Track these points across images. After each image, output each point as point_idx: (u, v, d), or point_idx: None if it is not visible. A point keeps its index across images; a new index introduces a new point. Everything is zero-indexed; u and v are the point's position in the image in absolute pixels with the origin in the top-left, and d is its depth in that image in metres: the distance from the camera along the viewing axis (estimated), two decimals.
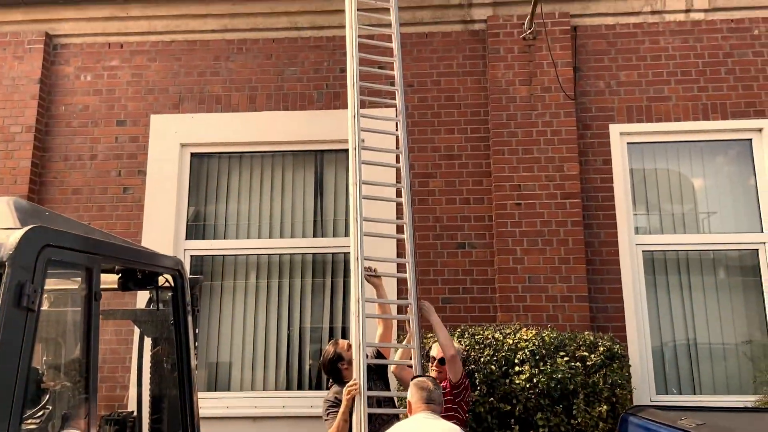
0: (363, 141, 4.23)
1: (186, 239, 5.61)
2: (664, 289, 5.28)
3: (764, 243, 5.17)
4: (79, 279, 2.41)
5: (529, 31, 5.49)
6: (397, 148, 4.48)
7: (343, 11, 5.75)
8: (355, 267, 3.85)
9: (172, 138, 5.70)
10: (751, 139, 5.38)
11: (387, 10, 4.72)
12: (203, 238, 5.68)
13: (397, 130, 4.44)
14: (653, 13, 5.58)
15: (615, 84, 5.51)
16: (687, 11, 5.56)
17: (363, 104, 4.30)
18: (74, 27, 6.00)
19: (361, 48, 4.43)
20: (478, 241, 5.34)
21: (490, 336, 4.51)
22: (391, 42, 4.61)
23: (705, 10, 5.56)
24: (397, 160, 4.38)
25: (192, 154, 5.76)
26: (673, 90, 5.44)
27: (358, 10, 4.48)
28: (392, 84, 4.54)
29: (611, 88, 5.51)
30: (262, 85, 5.80)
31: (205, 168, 5.82)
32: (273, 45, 5.90)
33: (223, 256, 5.65)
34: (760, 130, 5.33)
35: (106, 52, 5.99)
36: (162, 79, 5.87)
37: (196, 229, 5.71)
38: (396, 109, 4.44)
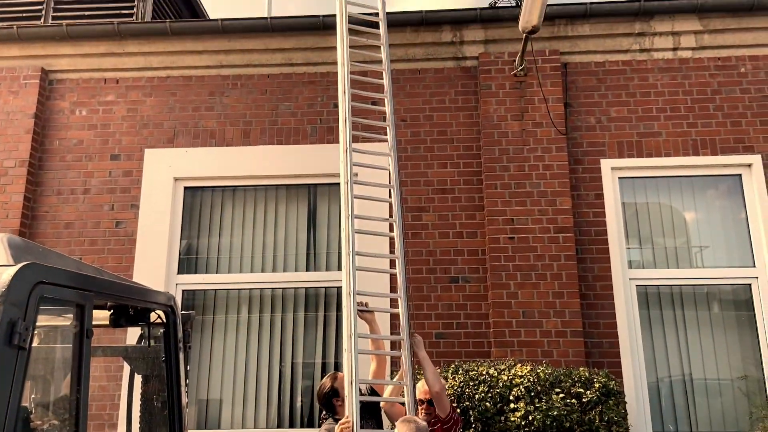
0: (356, 175, 4.24)
1: (178, 273, 5.57)
2: (659, 323, 5.27)
3: (756, 278, 5.19)
4: (71, 315, 2.38)
5: (520, 68, 5.58)
6: (389, 182, 4.50)
7: (335, 48, 5.88)
8: (348, 302, 3.82)
9: (166, 172, 5.71)
10: (740, 175, 5.44)
11: (378, 47, 4.79)
12: (195, 272, 5.65)
13: (389, 165, 4.46)
14: (641, 51, 5.70)
15: (605, 120, 5.59)
16: (674, 49, 5.68)
17: (355, 139, 4.31)
18: (70, 63, 6.05)
19: (353, 84, 4.48)
20: (471, 275, 5.34)
21: (484, 372, 4.47)
22: (383, 78, 4.65)
23: (692, 49, 5.68)
24: (390, 195, 4.39)
25: (185, 188, 5.77)
26: (663, 126, 5.53)
27: (350, 47, 4.53)
28: (384, 119, 4.57)
29: (602, 124, 5.59)
30: (256, 120, 5.85)
31: (198, 202, 5.82)
32: (267, 80, 5.97)
33: (215, 290, 5.61)
34: (749, 165, 5.39)
35: (102, 88, 6.03)
36: (157, 114, 5.91)
37: (188, 263, 5.68)
38: (388, 144, 4.47)
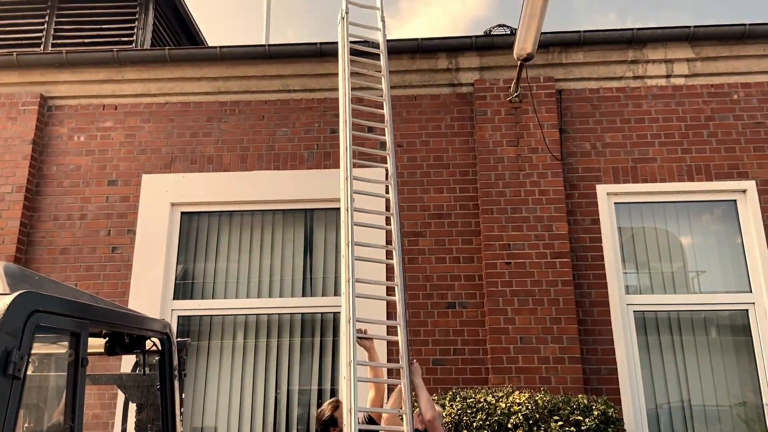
0: (353, 200, 4.25)
1: (174, 299, 5.55)
2: (657, 349, 5.26)
3: (753, 303, 5.19)
4: (65, 343, 2.37)
5: (515, 94, 5.64)
6: (388, 209, 4.50)
7: (332, 74, 5.96)
8: (347, 329, 3.80)
9: (163, 197, 5.71)
10: (735, 200, 5.48)
11: (379, 79, 4.83)
12: (191, 298, 5.62)
13: (387, 192, 4.47)
14: (635, 78, 5.77)
15: (600, 145, 5.64)
16: (668, 77, 5.75)
17: (355, 165, 4.32)
18: (69, 89, 6.10)
19: (354, 113, 4.51)
20: (468, 301, 5.32)
21: (482, 399, 4.43)
22: (382, 108, 4.69)
23: (685, 76, 5.75)
24: (387, 222, 4.39)
25: (182, 213, 5.77)
26: (658, 152, 5.57)
27: (351, 74, 4.58)
28: (383, 147, 4.59)
29: (597, 150, 5.63)
30: (253, 146, 5.88)
31: (194, 227, 5.82)
32: (265, 106, 6.01)
33: (211, 316, 5.58)
34: (744, 191, 5.43)
35: (101, 114, 6.06)
36: (155, 139, 5.94)
37: (184, 288, 5.66)
38: (387, 172, 4.48)
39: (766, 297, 5.15)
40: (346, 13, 4.74)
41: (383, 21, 4.99)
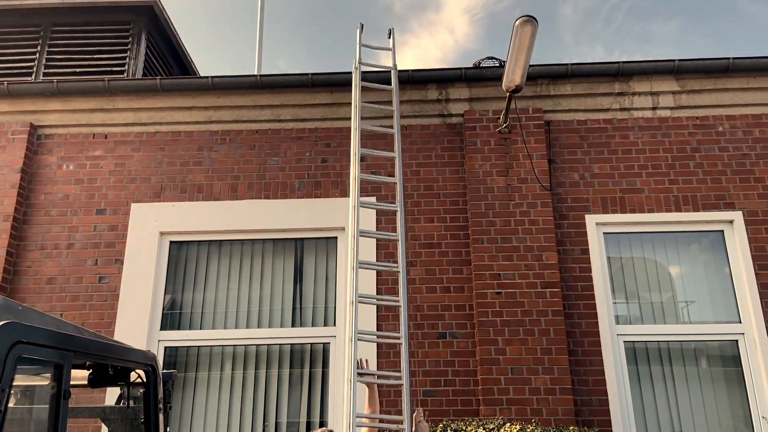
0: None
1: (161, 329, 5.48)
2: (647, 380, 5.23)
3: (743, 334, 5.19)
4: (48, 375, 2.32)
5: (504, 125, 5.69)
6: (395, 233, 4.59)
7: (323, 105, 6.02)
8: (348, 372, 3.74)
9: (152, 226, 5.68)
10: (723, 231, 5.52)
11: (390, 116, 4.94)
12: (179, 329, 5.55)
13: (397, 222, 4.57)
14: (622, 110, 5.85)
15: (589, 176, 5.68)
16: (654, 108, 5.84)
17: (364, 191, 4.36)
18: (60, 118, 6.10)
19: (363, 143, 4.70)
20: (459, 331, 5.29)
21: (473, 431, 4.38)
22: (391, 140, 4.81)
23: (671, 108, 5.84)
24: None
25: (171, 243, 5.73)
26: (645, 182, 5.62)
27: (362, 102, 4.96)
28: (391, 174, 4.65)
29: (585, 180, 5.67)
30: (244, 174, 5.88)
31: (183, 256, 5.78)
32: (256, 136, 6.03)
33: (198, 347, 5.50)
34: (731, 221, 5.48)
35: (90, 143, 6.06)
36: (144, 168, 5.93)
37: (171, 319, 5.59)
38: (396, 201, 4.65)
39: (755, 327, 5.15)
40: (359, 63, 5.22)
41: (395, 64, 5.42)
